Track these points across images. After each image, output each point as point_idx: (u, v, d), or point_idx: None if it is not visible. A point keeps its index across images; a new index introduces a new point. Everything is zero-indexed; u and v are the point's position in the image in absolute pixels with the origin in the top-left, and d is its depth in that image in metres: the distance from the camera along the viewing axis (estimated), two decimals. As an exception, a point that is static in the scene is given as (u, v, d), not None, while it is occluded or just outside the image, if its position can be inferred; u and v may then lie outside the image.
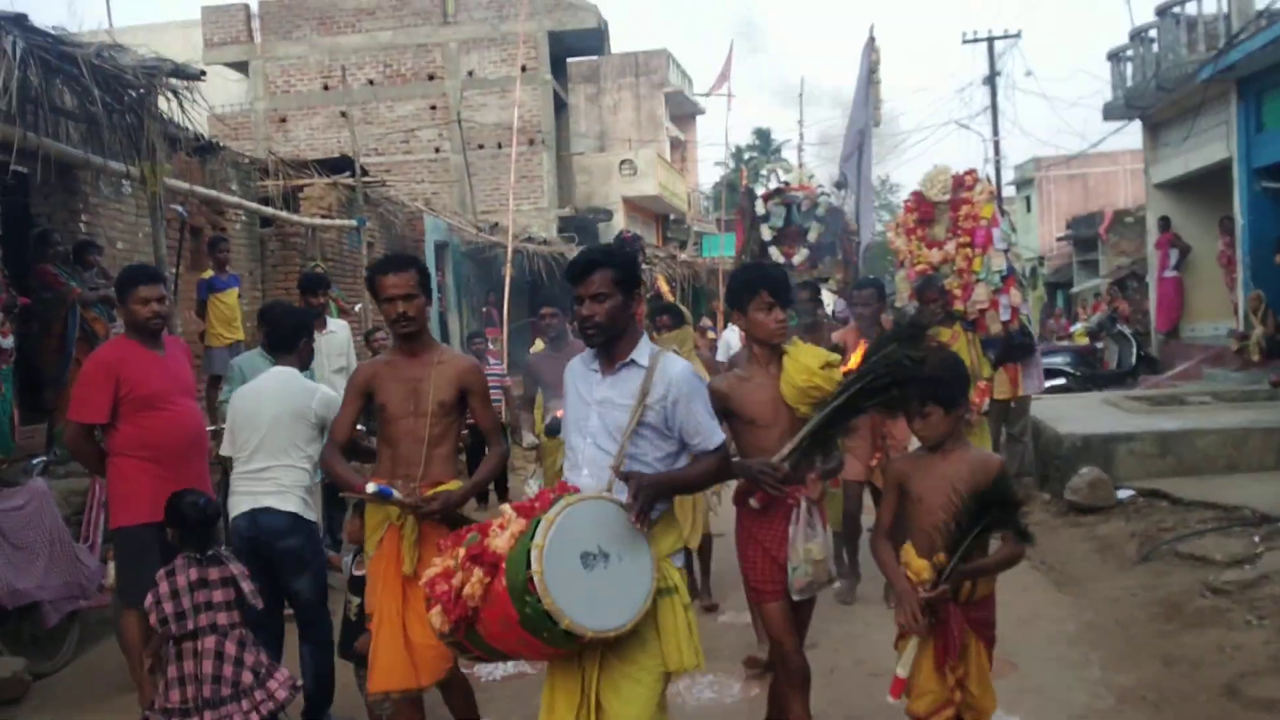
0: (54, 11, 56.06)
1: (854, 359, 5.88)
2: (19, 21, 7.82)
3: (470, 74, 30.00)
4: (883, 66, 13.84)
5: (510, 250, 17.18)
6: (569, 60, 33.76)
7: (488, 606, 3.89)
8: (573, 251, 24.57)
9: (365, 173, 17.67)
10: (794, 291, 6.16)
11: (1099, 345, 22.83)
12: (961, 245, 11.40)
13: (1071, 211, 41.19)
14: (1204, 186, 20.13)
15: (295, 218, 15.55)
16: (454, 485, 5.20)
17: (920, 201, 11.79)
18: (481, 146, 29.47)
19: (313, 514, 6.23)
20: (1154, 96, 20.04)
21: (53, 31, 8.24)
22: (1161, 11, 19.66)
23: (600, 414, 4.32)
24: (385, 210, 19.27)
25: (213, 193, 13.07)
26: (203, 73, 9.72)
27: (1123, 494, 10.61)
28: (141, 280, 6.22)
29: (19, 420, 9.19)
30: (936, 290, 9.83)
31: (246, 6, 31.04)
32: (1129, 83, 21.37)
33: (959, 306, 10.79)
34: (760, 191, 14.11)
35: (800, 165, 21.50)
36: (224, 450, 6.47)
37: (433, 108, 29.99)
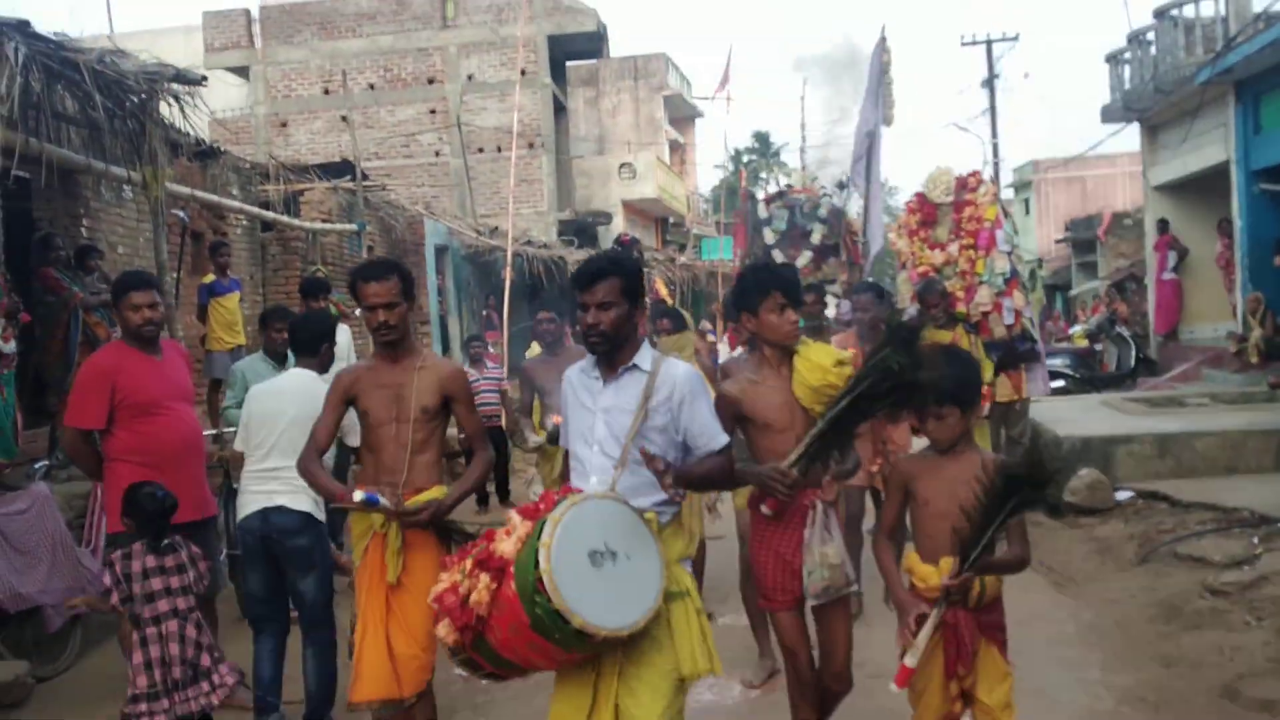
0: (55, 17, 56.01)
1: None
2: (21, 28, 7.84)
3: (470, 78, 30.04)
4: (894, 67, 13.66)
5: (510, 253, 17.23)
6: (568, 64, 33.81)
7: (496, 613, 3.87)
8: (572, 255, 24.64)
9: (366, 177, 17.72)
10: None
11: (1098, 347, 22.83)
12: (965, 247, 11.34)
13: (1070, 214, 41.17)
14: (1202, 189, 20.14)
15: (296, 222, 15.57)
16: (437, 492, 5.16)
17: (923, 203, 11.74)
18: (481, 150, 29.50)
19: (323, 515, 6.25)
20: (1152, 99, 20.05)
21: (55, 38, 8.27)
22: (1159, 14, 19.67)
23: (606, 422, 4.29)
24: (386, 214, 19.29)
25: (214, 197, 13.10)
26: (204, 78, 9.74)
27: (1122, 495, 10.62)
28: (134, 287, 6.23)
29: (22, 424, 9.20)
30: (938, 294, 9.78)
31: (247, 11, 31.10)
32: (1127, 85, 21.38)
33: (961, 309, 10.77)
34: (761, 195, 14.12)
35: (803, 168, 21.51)
36: (237, 445, 6.51)
37: (433, 111, 30.03)
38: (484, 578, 3.90)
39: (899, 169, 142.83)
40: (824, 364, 4.92)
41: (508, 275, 17.34)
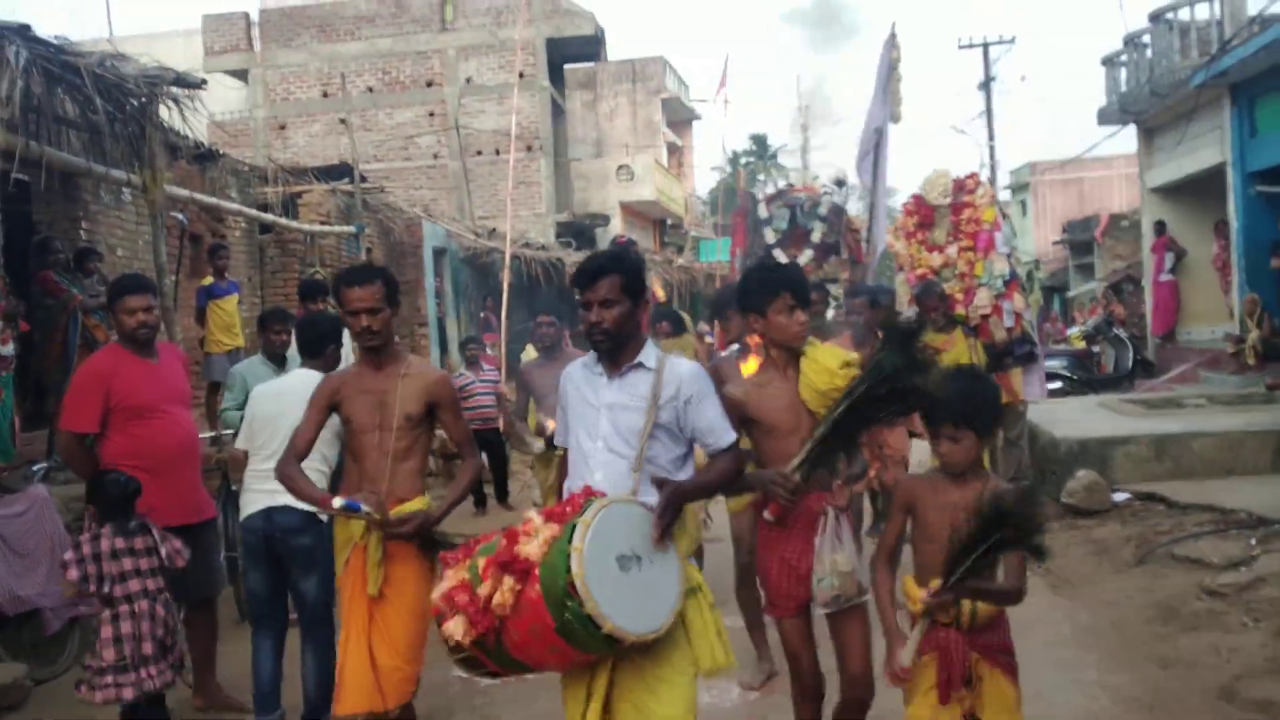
0: (55, 20, 56.07)
1: None
2: (22, 32, 7.86)
3: (468, 81, 30.06)
4: (903, 64, 13.50)
5: (508, 256, 17.24)
6: (566, 67, 33.83)
7: (515, 615, 3.84)
8: (570, 257, 24.65)
9: (364, 179, 17.73)
10: None
11: (1095, 349, 22.82)
12: (963, 249, 11.28)
13: (1067, 215, 41.18)
14: (1199, 191, 20.17)
15: (294, 224, 15.59)
16: (421, 503, 5.11)
17: (920, 205, 11.69)
18: (479, 153, 29.52)
19: (324, 515, 6.26)
20: (1148, 101, 20.06)
21: (55, 41, 8.29)
22: (1155, 17, 19.69)
23: (610, 417, 4.29)
24: (384, 217, 19.31)
25: (212, 200, 13.11)
26: (204, 81, 9.77)
27: (1119, 497, 10.62)
28: (128, 290, 6.24)
29: (20, 427, 9.22)
30: (936, 297, 9.74)
31: (246, 14, 31.12)
32: (1123, 88, 21.41)
33: (960, 311, 10.72)
34: (761, 195, 14.05)
35: (805, 166, 21.47)
36: (240, 445, 6.53)
37: (431, 114, 30.05)
38: (508, 580, 3.85)
39: (897, 171, 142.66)
40: (831, 366, 4.78)
41: (506, 278, 17.34)
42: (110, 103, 8.57)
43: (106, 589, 5.57)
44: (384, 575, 5.00)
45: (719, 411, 4.39)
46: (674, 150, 44.53)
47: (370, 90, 30.11)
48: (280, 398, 6.29)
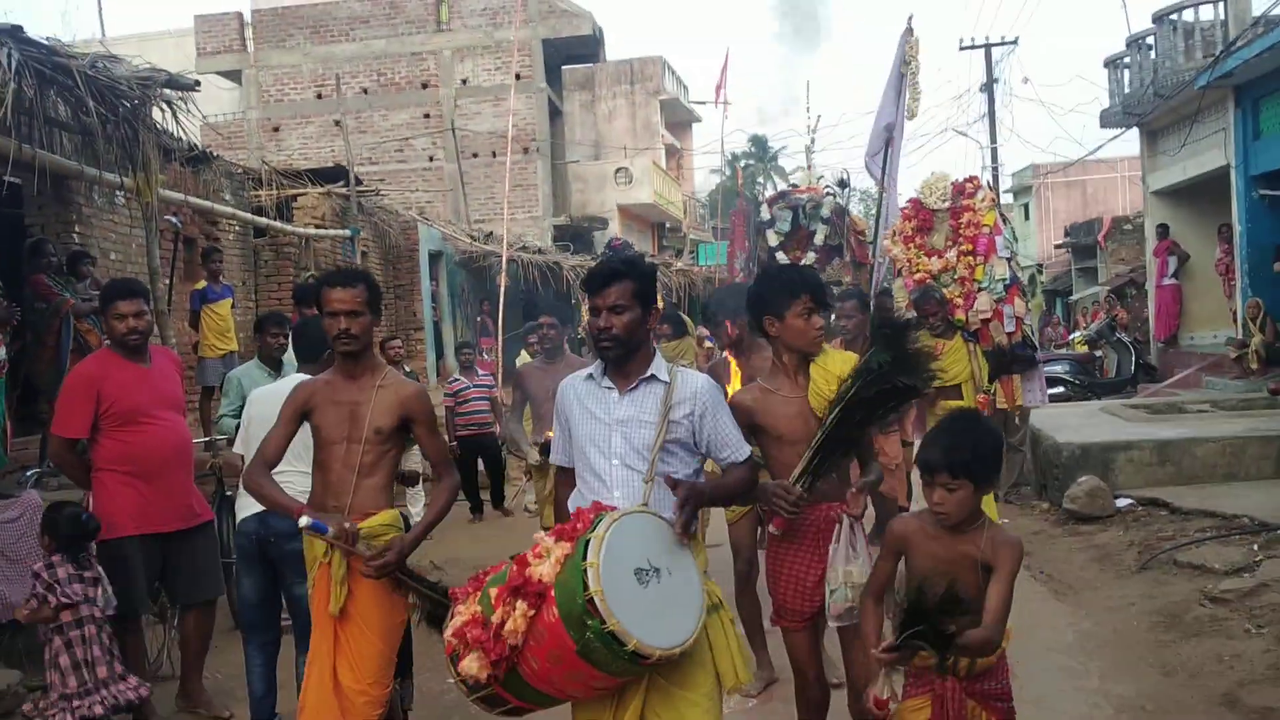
0: (47, 22, 56.18)
1: None
2: (14, 33, 7.82)
3: (464, 82, 30.02)
4: (920, 57, 13.25)
5: (505, 259, 17.19)
6: (564, 68, 33.80)
7: (534, 642, 3.71)
8: (568, 260, 24.60)
9: (359, 182, 17.67)
10: None
11: (1098, 353, 22.82)
12: (963, 253, 11.21)
13: (1070, 219, 41.16)
14: (1202, 194, 20.17)
15: (289, 228, 15.55)
16: (385, 517, 4.93)
17: (919, 209, 11.61)
18: (476, 155, 29.48)
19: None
20: (1151, 104, 20.05)
21: (47, 43, 8.23)
22: (1158, 19, 19.67)
23: (625, 434, 4.18)
24: (379, 220, 19.27)
25: (206, 203, 13.06)
26: (197, 83, 9.71)
27: (1121, 503, 10.61)
28: (119, 296, 6.24)
29: (12, 432, 9.18)
30: (935, 302, 9.60)
31: (239, 15, 31.09)
32: (1126, 90, 21.39)
33: (960, 316, 10.63)
34: (763, 197, 13.97)
35: (809, 166, 21.35)
36: (236, 449, 6.48)
37: (426, 116, 30.01)
38: (520, 605, 3.72)
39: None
40: (840, 373, 4.66)
41: (502, 281, 17.31)
42: (103, 105, 8.50)
43: (60, 616, 5.75)
44: (348, 594, 4.82)
45: (733, 424, 4.32)
46: (673, 153, 44.51)
47: (365, 92, 30.06)
48: (276, 402, 6.21)
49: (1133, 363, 21.15)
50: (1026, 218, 46.99)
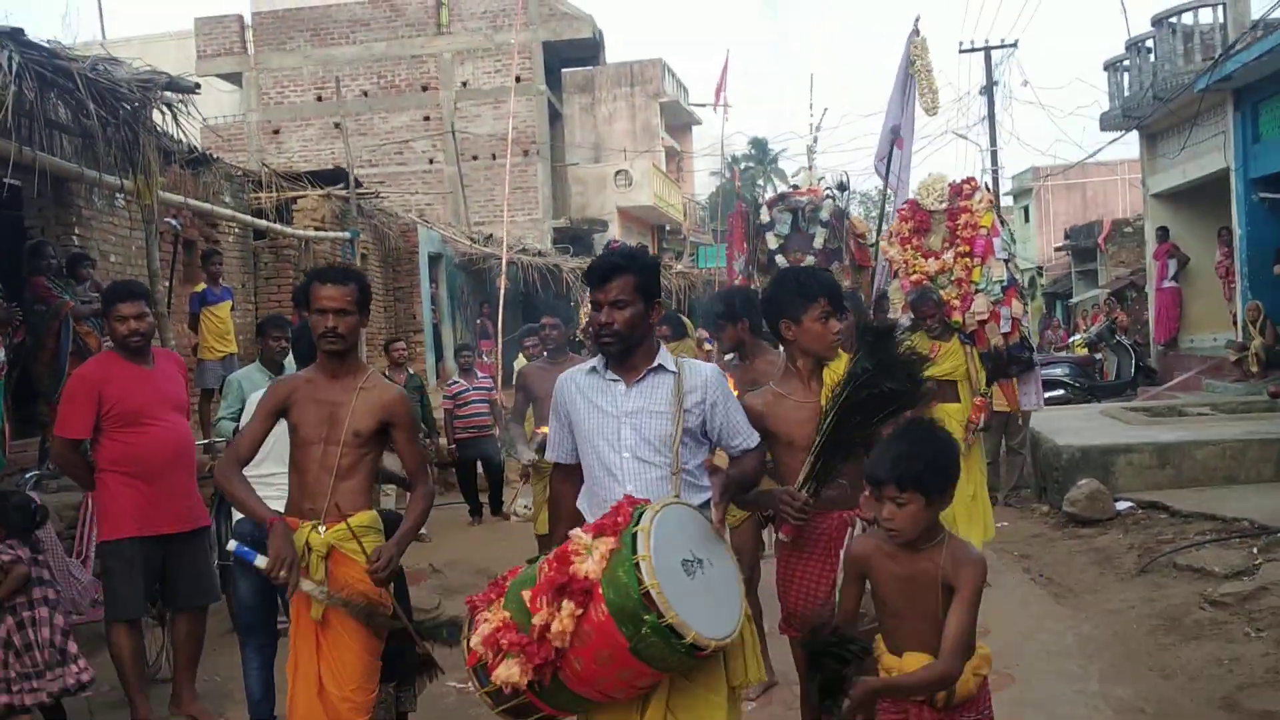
0: (48, 24, 56.24)
1: None
2: (15, 36, 7.82)
3: (464, 85, 30.02)
4: (930, 55, 13.10)
5: (505, 262, 17.18)
6: (564, 70, 33.81)
7: (579, 643, 3.62)
8: (567, 263, 24.60)
9: (359, 184, 17.67)
10: None
11: (1098, 356, 22.83)
12: (961, 255, 11.16)
13: (1070, 221, 41.17)
14: (1202, 197, 20.19)
15: (289, 230, 15.54)
16: (363, 519, 4.82)
17: (915, 210, 11.57)
18: (476, 158, 29.47)
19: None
20: (1151, 107, 20.06)
21: (48, 45, 8.24)
22: (1158, 22, 19.68)
23: (635, 425, 4.11)
24: (379, 222, 19.26)
25: (206, 205, 13.06)
26: (197, 86, 9.71)
27: (1121, 506, 10.61)
28: (121, 298, 6.24)
29: (11, 434, 9.18)
30: (933, 304, 9.54)
31: (240, 18, 31.07)
32: (1126, 93, 21.40)
33: (957, 318, 10.58)
34: (763, 200, 13.89)
35: (810, 167, 21.28)
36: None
37: (426, 119, 30.00)
38: (567, 605, 3.61)
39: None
40: None
41: (502, 283, 17.30)
42: (103, 107, 8.51)
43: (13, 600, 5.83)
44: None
45: (741, 413, 4.30)
46: (673, 155, 44.50)
47: (365, 94, 30.05)
48: None
49: (1133, 365, 21.16)
50: (1026, 220, 47.01)
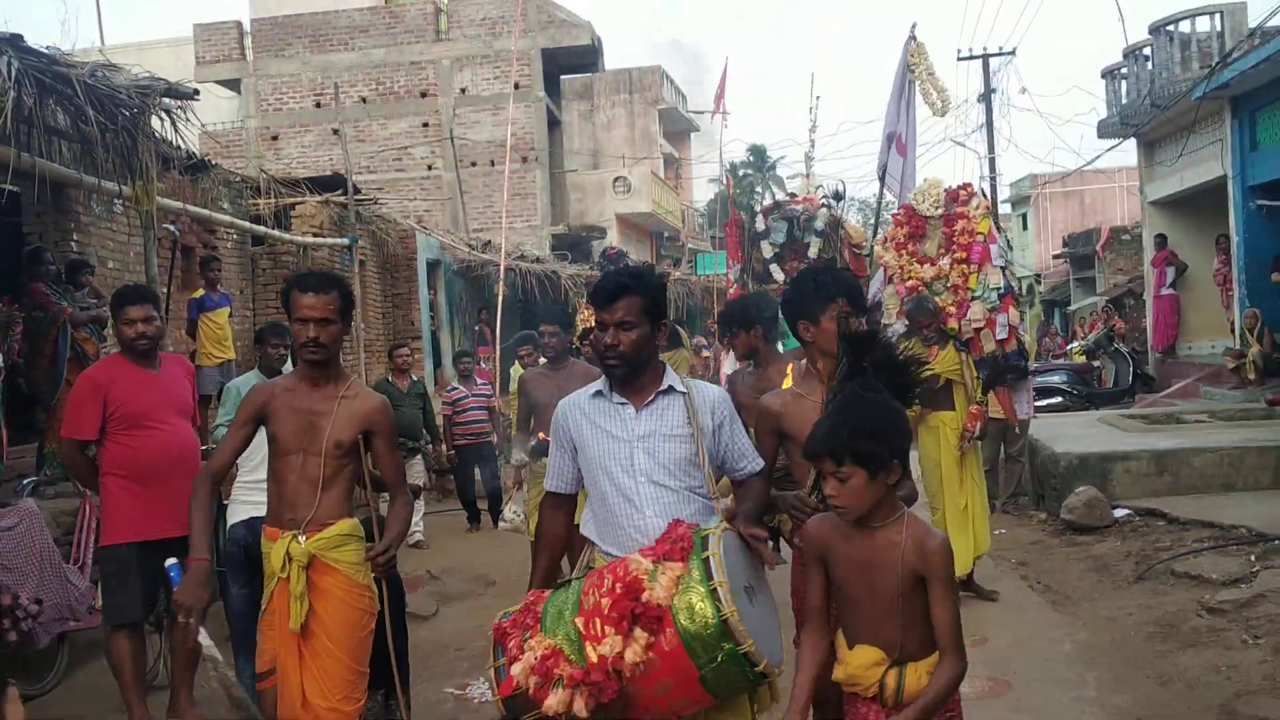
0: (47, 30, 56.32)
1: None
2: (14, 42, 7.82)
3: (463, 91, 30.02)
4: (930, 59, 13.03)
5: (503, 268, 17.18)
6: (563, 77, 33.81)
7: (644, 673, 3.54)
8: (566, 269, 24.59)
9: (357, 191, 17.64)
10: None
11: (1096, 364, 22.86)
12: (957, 261, 11.11)
13: (1068, 229, 41.21)
14: (1199, 204, 20.22)
15: (287, 236, 15.52)
16: (343, 526, 4.78)
17: (911, 215, 11.50)
18: (474, 164, 29.47)
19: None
20: (1149, 114, 20.09)
21: (47, 52, 8.24)
22: (1155, 30, 19.73)
23: (648, 450, 4.02)
24: (377, 228, 19.24)
25: (204, 211, 13.05)
26: (196, 92, 9.72)
27: (1119, 513, 10.63)
28: (129, 301, 6.27)
29: (8, 440, 9.17)
30: (929, 313, 9.48)
31: (239, 24, 31.05)
32: (1124, 100, 21.43)
33: (953, 325, 10.54)
34: (759, 207, 13.86)
35: (808, 175, 21.24)
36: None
37: (425, 125, 29.99)
38: (641, 635, 3.53)
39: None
40: None
41: (500, 290, 17.29)
42: (102, 113, 8.50)
43: None
44: (310, 610, 4.68)
45: (745, 435, 4.26)
46: (671, 162, 44.54)
47: (364, 101, 30.04)
48: None
49: (1131, 373, 21.18)
50: (1025, 228, 47.05)
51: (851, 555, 3.55)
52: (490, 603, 9.47)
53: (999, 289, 10.88)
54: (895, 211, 11.86)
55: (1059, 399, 19.25)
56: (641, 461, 4.02)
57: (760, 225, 13.20)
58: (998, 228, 11.55)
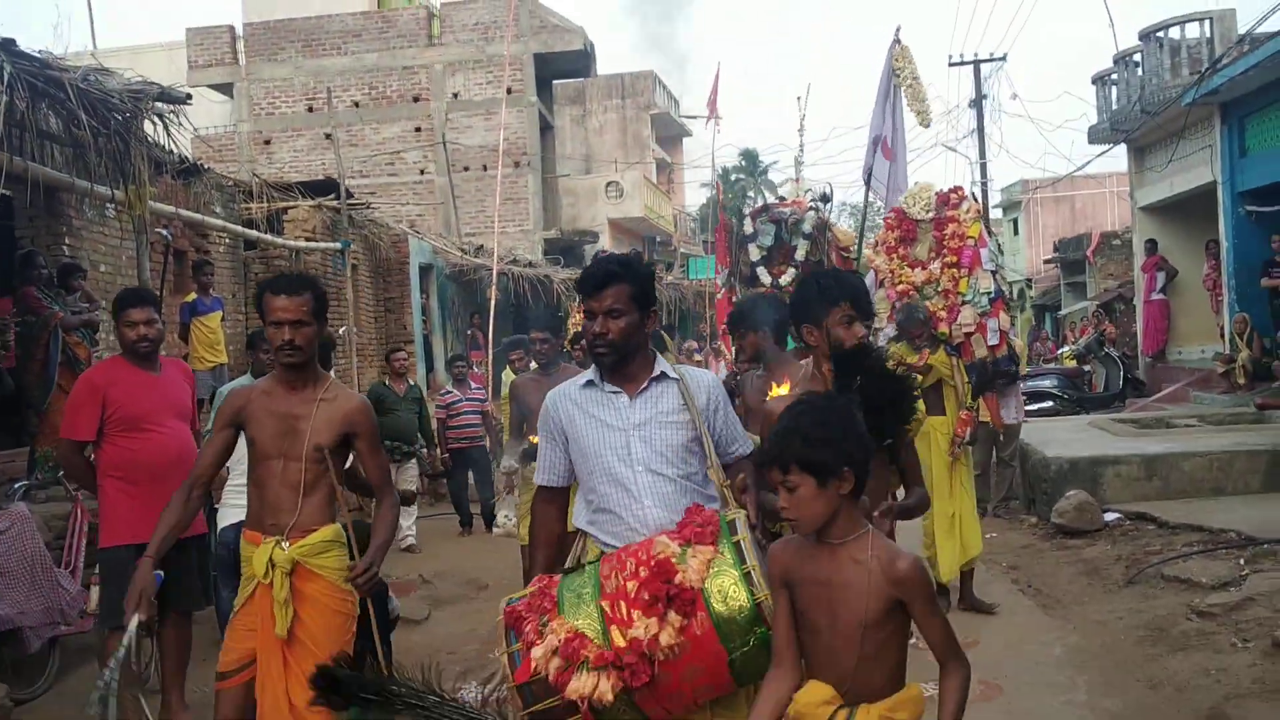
0: (39, 34, 56.24)
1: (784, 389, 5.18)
2: (6, 46, 7.82)
3: (455, 96, 30.02)
4: (915, 64, 13.00)
5: (495, 273, 17.18)
6: (555, 82, 33.82)
7: (676, 656, 3.46)
8: (558, 274, 24.60)
9: (350, 195, 17.64)
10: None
11: (1086, 368, 22.88)
12: (947, 265, 11.07)
13: (1059, 234, 41.25)
14: (1189, 210, 20.28)
15: (279, 241, 15.52)
16: (326, 533, 4.72)
17: (902, 219, 11.46)
18: (467, 169, 29.47)
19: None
20: (1139, 120, 20.14)
21: (39, 56, 8.24)
22: (1145, 36, 19.78)
23: (644, 438, 3.96)
24: (370, 233, 19.24)
25: (197, 216, 13.05)
26: (189, 97, 9.71)
27: (1109, 517, 10.65)
28: (131, 303, 6.29)
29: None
30: (919, 323, 9.39)
31: (231, 28, 31.01)
32: (1114, 106, 21.49)
33: (943, 329, 10.51)
34: (748, 210, 13.82)
35: (797, 179, 21.22)
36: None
37: (418, 130, 29.98)
38: (674, 617, 3.46)
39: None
40: None
41: (493, 294, 17.29)
42: (94, 118, 8.50)
43: None
44: (293, 614, 4.62)
45: (737, 419, 4.23)
46: (663, 167, 44.59)
47: (356, 105, 30.02)
48: None
49: (1121, 377, 21.21)
50: (1016, 233, 47.12)
51: (814, 574, 3.30)
52: (482, 607, 9.46)
53: (989, 293, 10.85)
54: (887, 215, 11.83)
55: (1050, 403, 19.27)
56: (638, 450, 3.96)
57: (748, 228, 13.14)
58: (989, 232, 11.56)
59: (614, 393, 4.05)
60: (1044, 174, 39.84)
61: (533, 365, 9.24)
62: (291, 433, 4.70)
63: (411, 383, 12.94)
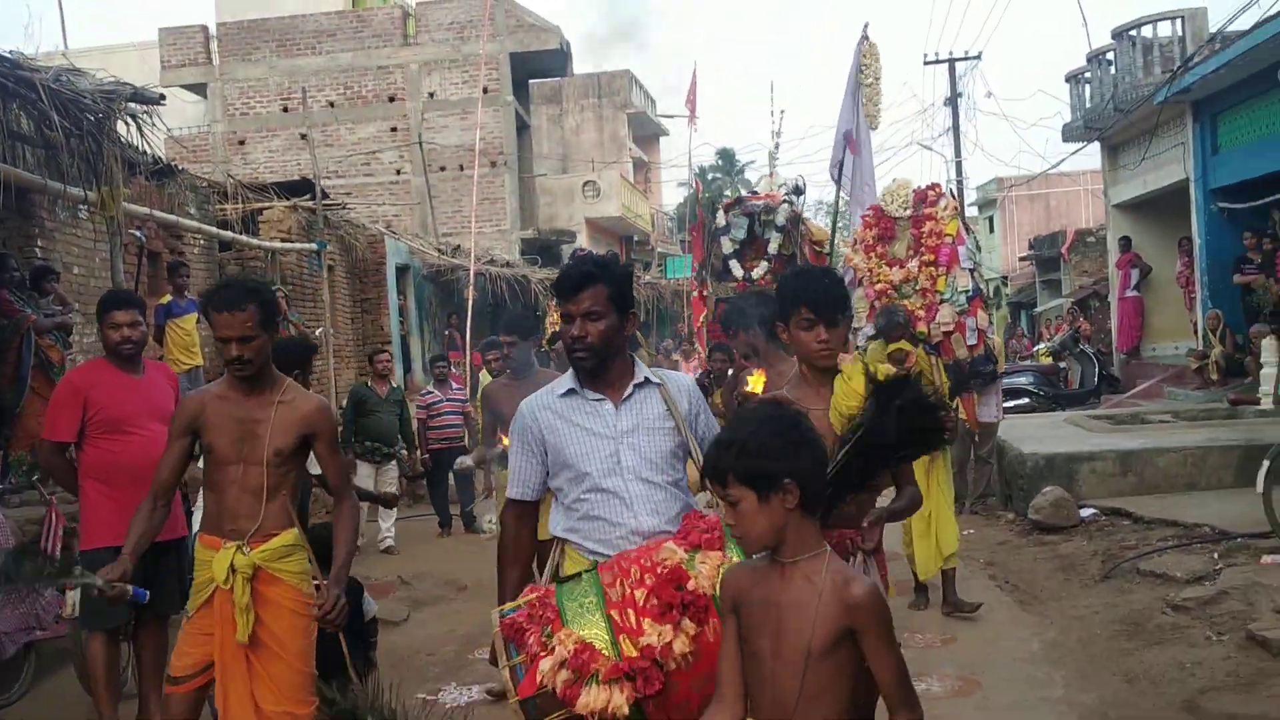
0: (9, 34, 55.89)
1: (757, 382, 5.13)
2: (-24, 48, 7.77)
3: (431, 96, 29.96)
4: (880, 63, 13.03)
5: (473, 273, 17.16)
6: (531, 81, 33.78)
7: (688, 665, 3.38)
8: (535, 274, 24.58)
9: (325, 195, 17.60)
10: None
11: (1062, 365, 22.98)
12: (925, 264, 11.02)
13: (1034, 231, 41.40)
14: (1162, 207, 20.38)
15: (255, 242, 15.48)
16: (287, 538, 4.67)
17: (880, 217, 11.42)
18: (443, 169, 29.40)
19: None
20: (1112, 118, 20.24)
21: (10, 56, 8.19)
22: (1118, 35, 19.88)
23: (633, 445, 3.87)
24: (346, 233, 19.21)
25: (171, 217, 12.99)
26: (162, 97, 9.67)
27: (1085, 513, 10.69)
28: (115, 305, 6.24)
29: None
30: (899, 326, 9.17)
31: (205, 28, 30.86)
32: (1088, 104, 21.58)
33: (922, 328, 10.46)
34: (720, 204, 13.78)
35: (771, 174, 21.19)
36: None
37: (394, 130, 29.90)
38: (689, 625, 3.37)
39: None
40: (858, 389, 4.16)
41: (470, 295, 17.28)
42: (66, 118, 8.46)
43: None
44: (255, 619, 4.59)
45: (715, 420, 4.17)
46: (640, 166, 44.58)
47: (331, 105, 29.92)
48: None
49: (1096, 374, 21.30)
50: (991, 230, 47.24)
51: (762, 595, 3.04)
52: (462, 608, 9.45)
53: (967, 291, 10.85)
54: (865, 214, 11.80)
55: (1026, 400, 19.34)
56: (628, 459, 3.86)
57: (720, 221, 13.08)
58: (966, 229, 11.53)
59: (598, 400, 3.94)
60: (1019, 172, 39.88)
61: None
62: (250, 437, 4.65)
63: (394, 384, 12.90)
